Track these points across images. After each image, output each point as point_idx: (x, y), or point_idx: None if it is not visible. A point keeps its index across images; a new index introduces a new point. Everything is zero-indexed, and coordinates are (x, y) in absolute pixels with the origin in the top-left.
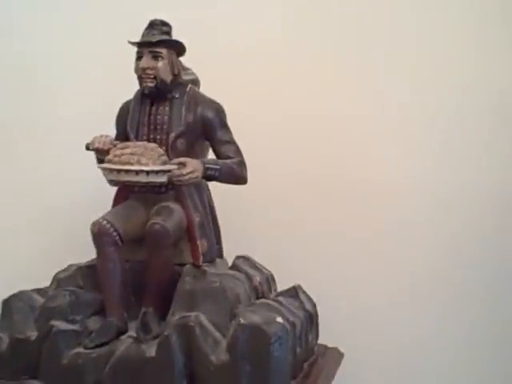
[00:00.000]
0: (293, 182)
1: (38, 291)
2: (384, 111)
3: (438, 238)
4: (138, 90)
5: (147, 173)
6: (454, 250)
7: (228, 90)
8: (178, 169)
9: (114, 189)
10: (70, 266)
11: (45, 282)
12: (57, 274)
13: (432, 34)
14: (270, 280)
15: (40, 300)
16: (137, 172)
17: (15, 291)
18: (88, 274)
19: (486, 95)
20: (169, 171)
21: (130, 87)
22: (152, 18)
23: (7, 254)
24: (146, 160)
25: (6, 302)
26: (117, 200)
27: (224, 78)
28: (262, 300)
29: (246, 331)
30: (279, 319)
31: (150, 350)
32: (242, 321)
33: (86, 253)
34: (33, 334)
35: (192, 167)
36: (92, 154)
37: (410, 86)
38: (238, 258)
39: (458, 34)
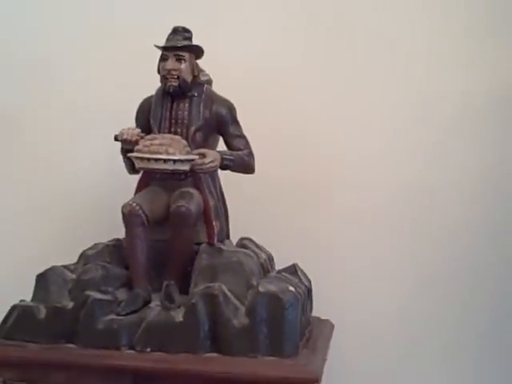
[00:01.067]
0: (284, 175)
1: (65, 267)
2: (359, 112)
3: (411, 226)
4: (160, 88)
5: (174, 161)
6: (414, 236)
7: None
8: (200, 158)
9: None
10: (96, 244)
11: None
12: (84, 251)
13: (400, 37)
14: (270, 259)
15: (70, 274)
16: (165, 160)
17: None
18: (114, 251)
19: (445, 94)
20: (192, 160)
21: (139, 82)
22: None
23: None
24: (174, 150)
25: (42, 275)
26: (140, 186)
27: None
28: (273, 273)
29: (264, 298)
30: (291, 288)
31: (178, 316)
32: (261, 289)
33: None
34: (69, 303)
35: (212, 157)
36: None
37: (381, 86)
38: (242, 238)
39: (423, 36)
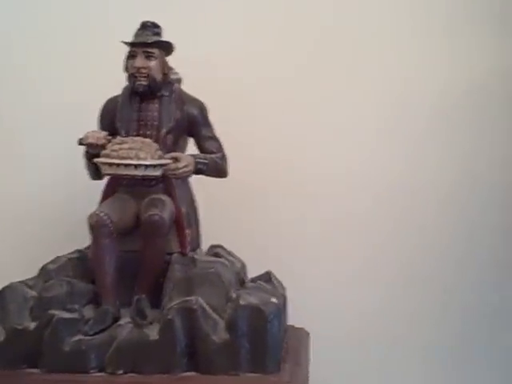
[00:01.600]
0: (252, 178)
1: (23, 283)
2: (328, 112)
3: (378, 226)
4: (126, 88)
5: (146, 167)
6: (395, 237)
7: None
8: (173, 163)
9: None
10: (58, 257)
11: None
12: (45, 265)
13: (375, 35)
14: (244, 266)
15: (29, 291)
16: (136, 166)
17: None
18: (78, 264)
19: (423, 95)
20: (165, 165)
21: (102, 82)
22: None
23: None
24: (145, 154)
25: (0, 293)
26: (106, 193)
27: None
28: (251, 283)
29: (245, 311)
30: (274, 299)
31: (153, 333)
32: (242, 302)
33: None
34: (31, 324)
35: (186, 161)
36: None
37: (360, 88)
38: (213, 246)
39: (398, 36)
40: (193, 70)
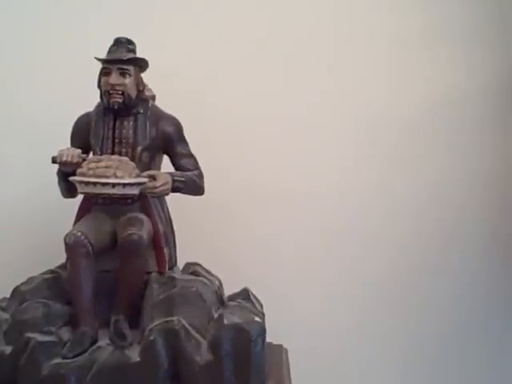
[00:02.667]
0: (233, 192)
1: None
2: (316, 123)
3: (355, 240)
4: (99, 104)
5: (123, 185)
6: (371, 251)
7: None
8: (150, 181)
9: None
10: (31, 278)
11: None
12: (18, 286)
13: (351, 47)
14: (221, 284)
15: (2, 314)
16: (113, 185)
17: None
18: (53, 285)
19: (399, 107)
20: (142, 183)
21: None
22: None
23: None
24: (122, 173)
25: None
26: (81, 212)
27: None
28: (232, 302)
29: (229, 331)
30: (257, 318)
31: (134, 355)
32: (226, 322)
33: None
34: (6, 348)
35: (164, 180)
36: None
37: (325, 98)
38: (190, 264)
39: (376, 49)
40: (165, 84)
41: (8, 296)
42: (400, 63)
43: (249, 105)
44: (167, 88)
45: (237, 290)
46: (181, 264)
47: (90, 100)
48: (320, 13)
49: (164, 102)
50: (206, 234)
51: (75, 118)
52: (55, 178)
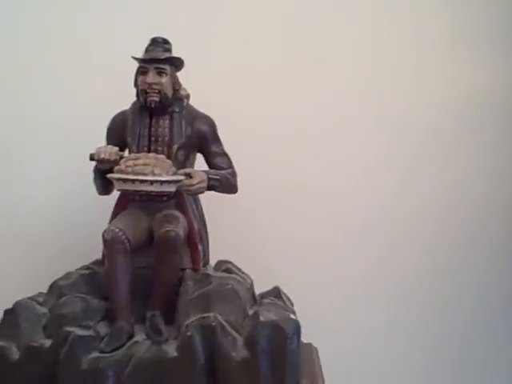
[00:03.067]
0: (259, 193)
1: (32, 299)
2: (335, 132)
3: (380, 240)
4: (136, 103)
5: (161, 183)
6: (396, 251)
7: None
8: (187, 179)
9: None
10: (69, 273)
11: None
12: (55, 281)
13: (374, 49)
14: (252, 282)
15: (40, 308)
16: (151, 182)
17: None
18: (90, 280)
19: (422, 109)
20: (179, 181)
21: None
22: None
23: None
24: (160, 170)
25: (11, 310)
26: (117, 209)
27: None
28: (265, 300)
29: (265, 328)
30: (293, 316)
31: (171, 350)
32: (262, 319)
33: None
34: (46, 342)
35: (200, 178)
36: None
37: (347, 99)
38: (222, 262)
39: (400, 50)
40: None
41: (43, 291)
42: (424, 64)
43: (274, 106)
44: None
45: (264, 289)
46: (213, 262)
47: (120, 103)
48: (343, 12)
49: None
50: (233, 233)
51: (107, 120)
52: (91, 177)
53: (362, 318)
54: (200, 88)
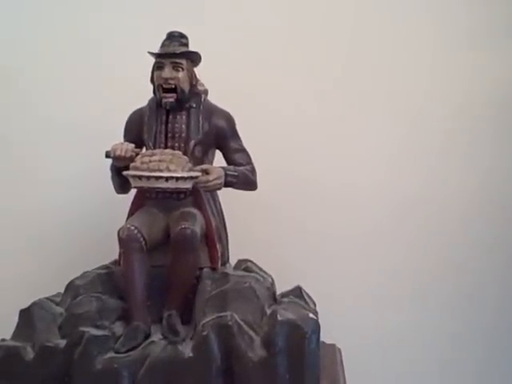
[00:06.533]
0: (283, 189)
1: (49, 299)
2: (357, 128)
3: (404, 238)
4: (153, 99)
5: (177, 179)
6: (419, 249)
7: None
8: (203, 175)
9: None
10: (86, 272)
11: None
12: (72, 281)
13: (395, 48)
14: (273, 281)
15: (56, 308)
16: (167, 178)
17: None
18: (106, 280)
19: (443, 107)
20: (195, 178)
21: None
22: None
23: None
24: (175, 167)
25: (26, 310)
26: (134, 206)
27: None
28: (285, 299)
29: (283, 327)
30: (311, 315)
31: (187, 350)
32: (280, 318)
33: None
34: (61, 342)
35: (216, 174)
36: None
37: (368, 97)
38: (242, 261)
39: (418, 48)
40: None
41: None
42: (445, 61)
43: (294, 101)
44: (218, 87)
45: (287, 288)
46: (233, 261)
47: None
48: (367, 11)
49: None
50: (256, 232)
51: (124, 119)
52: (109, 176)
53: (388, 318)
54: (219, 82)
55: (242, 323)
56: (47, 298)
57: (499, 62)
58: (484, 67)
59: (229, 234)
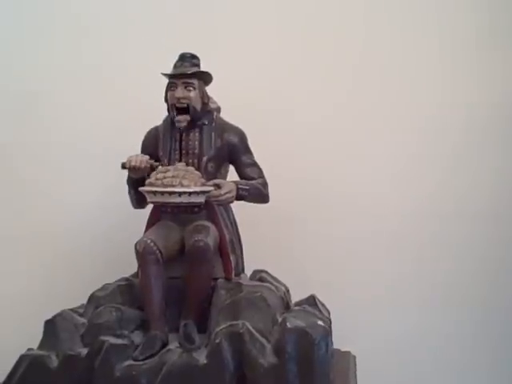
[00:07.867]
0: (298, 199)
1: (73, 311)
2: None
3: (418, 244)
4: (167, 118)
5: (189, 194)
6: (436, 251)
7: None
8: (215, 190)
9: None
10: (106, 285)
11: None
12: (93, 293)
13: (406, 53)
14: (288, 291)
15: (79, 319)
16: (180, 193)
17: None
18: (126, 291)
19: (454, 111)
20: (208, 192)
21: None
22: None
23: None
24: (188, 182)
25: (51, 321)
26: (151, 221)
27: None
28: (296, 307)
29: (292, 334)
30: (320, 322)
31: (201, 358)
32: (289, 325)
33: None
34: (82, 350)
35: (228, 188)
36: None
37: (379, 103)
38: (257, 271)
39: (429, 49)
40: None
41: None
42: (456, 63)
43: (313, 112)
44: (233, 102)
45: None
46: (249, 272)
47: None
48: (377, 23)
49: (230, 115)
50: (272, 242)
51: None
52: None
53: (403, 322)
54: (232, 96)
55: (253, 331)
56: (71, 310)
57: (509, 71)
58: (493, 77)
59: (247, 245)
